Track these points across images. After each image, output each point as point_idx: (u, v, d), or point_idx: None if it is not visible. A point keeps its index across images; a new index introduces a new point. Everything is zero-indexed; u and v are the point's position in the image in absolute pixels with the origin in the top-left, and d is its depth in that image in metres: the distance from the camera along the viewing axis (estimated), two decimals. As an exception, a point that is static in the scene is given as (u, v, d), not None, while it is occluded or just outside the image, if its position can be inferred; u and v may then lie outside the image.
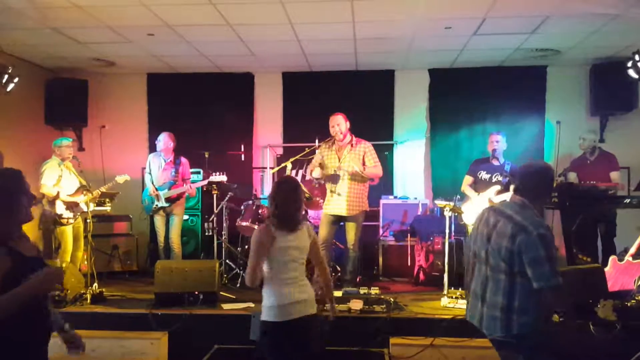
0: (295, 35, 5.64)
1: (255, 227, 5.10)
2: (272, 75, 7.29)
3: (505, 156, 5.53)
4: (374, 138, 5.87)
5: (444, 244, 5.18)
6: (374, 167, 5.18)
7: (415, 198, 6.69)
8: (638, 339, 3.87)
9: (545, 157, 6.81)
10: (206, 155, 6.48)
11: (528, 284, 2.48)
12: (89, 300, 4.80)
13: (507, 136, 5.63)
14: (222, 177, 5.91)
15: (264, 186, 7.21)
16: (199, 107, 7.23)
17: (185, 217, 6.38)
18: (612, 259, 4.77)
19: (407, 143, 7.22)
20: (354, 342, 4.21)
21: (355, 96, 6.96)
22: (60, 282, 3.17)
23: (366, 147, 5.20)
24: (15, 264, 2.01)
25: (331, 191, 5.22)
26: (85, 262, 5.39)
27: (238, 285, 5.60)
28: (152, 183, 5.87)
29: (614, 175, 5.70)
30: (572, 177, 5.71)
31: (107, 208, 5.85)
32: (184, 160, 5.99)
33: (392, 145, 7.17)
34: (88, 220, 5.19)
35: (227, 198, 6.06)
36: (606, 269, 4.57)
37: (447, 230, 5.03)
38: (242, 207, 5.95)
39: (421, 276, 5.91)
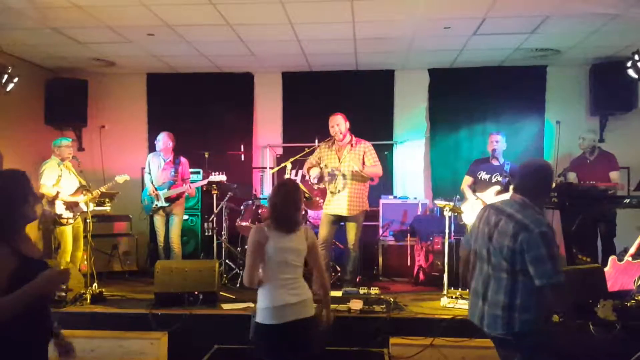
0: (295, 35, 5.64)
1: (255, 227, 5.09)
2: (272, 75, 7.28)
3: (505, 156, 5.53)
4: (374, 138, 5.87)
5: (443, 244, 5.18)
6: (374, 167, 5.19)
7: (415, 198, 6.68)
8: (638, 339, 3.87)
9: (545, 157, 6.79)
10: (206, 155, 6.48)
11: (530, 283, 2.49)
12: (88, 300, 4.80)
13: (506, 136, 5.63)
14: (222, 177, 5.90)
15: (264, 186, 7.21)
16: (199, 107, 7.22)
17: (185, 217, 6.37)
18: (612, 259, 4.76)
19: (407, 143, 7.22)
20: (353, 342, 4.21)
21: (355, 96, 6.96)
22: (67, 282, 3.17)
23: (366, 147, 5.21)
24: (21, 264, 2.02)
25: (331, 191, 5.23)
26: (85, 262, 5.39)
27: (238, 285, 5.59)
28: (152, 183, 5.87)
29: (614, 175, 5.70)
30: (572, 177, 5.69)
31: (107, 208, 5.83)
32: (183, 160, 6.00)
33: (392, 145, 7.16)
34: (88, 220, 5.18)
35: (226, 198, 6.05)
36: (606, 269, 4.57)
37: (446, 230, 5.02)
38: (241, 207, 5.96)
39: (421, 276, 5.92)
